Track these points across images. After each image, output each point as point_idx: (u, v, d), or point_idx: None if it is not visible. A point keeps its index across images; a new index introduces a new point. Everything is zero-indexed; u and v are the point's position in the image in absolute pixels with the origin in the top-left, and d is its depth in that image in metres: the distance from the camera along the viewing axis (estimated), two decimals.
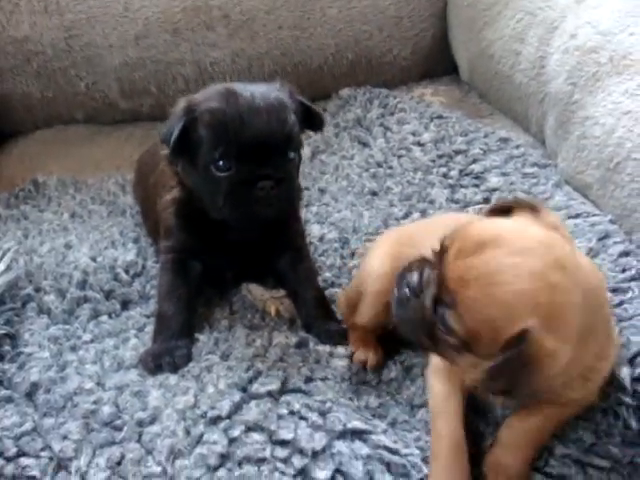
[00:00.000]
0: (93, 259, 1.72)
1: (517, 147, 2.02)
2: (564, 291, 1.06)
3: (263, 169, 1.39)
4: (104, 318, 1.59)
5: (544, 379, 1.06)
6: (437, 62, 2.67)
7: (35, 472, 1.21)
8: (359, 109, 2.23)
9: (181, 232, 1.55)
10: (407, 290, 1.18)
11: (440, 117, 2.14)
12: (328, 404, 1.30)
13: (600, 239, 1.62)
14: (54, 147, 2.47)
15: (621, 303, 1.42)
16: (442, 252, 1.13)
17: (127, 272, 1.69)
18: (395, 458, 1.22)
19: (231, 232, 1.51)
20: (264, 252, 1.58)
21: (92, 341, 1.51)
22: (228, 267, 1.61)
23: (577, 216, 1.72)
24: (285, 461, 1.20)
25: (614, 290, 1.46)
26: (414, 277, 1.17)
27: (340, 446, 1.22)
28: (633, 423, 1.22)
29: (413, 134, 2.08)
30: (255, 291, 1.62)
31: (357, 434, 1.25)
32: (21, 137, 2.55)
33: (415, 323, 1.17)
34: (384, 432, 1.28)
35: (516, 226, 1.14)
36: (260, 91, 1.43)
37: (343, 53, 2.52)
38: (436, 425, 1.26)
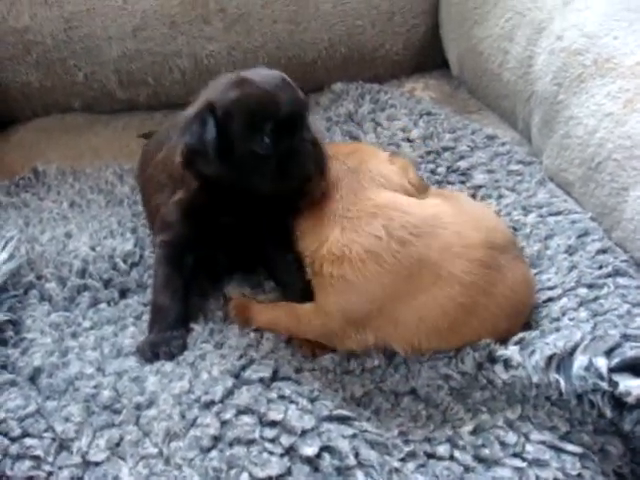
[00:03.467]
0: (92, 248, 1.75)
1: (503, 144, 2.05)
2: None
3: (299, 135, 1.44)
4: (103, 306, 1.63)
5: None
6: (428, 57, 2.69)
7: (39, 452, 1.27)
8: (351, 104, 2.25)
9: (183, 228, 1.58)
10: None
11: (429, 114, 2.17)
12: (316, 392, 1.36)
13: (579, 236, 1.66)
14: (52, 135, 2.48)
15: (597, 298, 1.47)
16: None
17: (125, 262, 1.72)
18: (378, 439, 1.29)
19: (231, 218, 1.55)
20: (257, 238, 1.61)
21: (92, 328, 1.56)
22: (223, 257, 1.64)
23: (558, 213, 1.76)
24: (273, 441, 1.26)
25: (590, 286, 1.51)
26: None
27: (328, 426, 1.28)
28: (607, 412, 1.27)
29: (403, 130, 2.10)
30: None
31: (342, 420, 1.31)
32: (20, 125, 2.56)
33: None
34: (367, 419, 1.35)
35: None
36: (264, 72, 1.49)
37: (336, 47, 2.55)
38: None
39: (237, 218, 1.55)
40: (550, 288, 1.55)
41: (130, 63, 2.49)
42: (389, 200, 1.45)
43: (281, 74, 1.48)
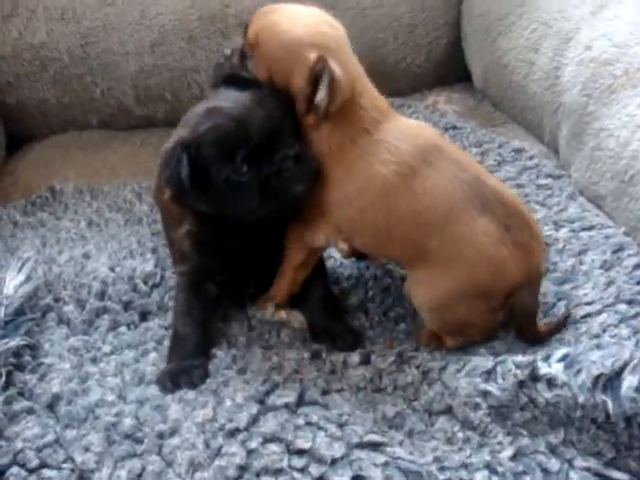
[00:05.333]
0: (112, 269, 1.73)
1: (531, 158, 2.03)
2: (334, 37, 1.43)
3: (278, 154, 1.41)
4: (123, 329, 1.59)
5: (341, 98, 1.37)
6: (450, 70, 2.67)
7: None
8: None
9: (197, 258, 1.56)
10: (222, 58, 1.56)
11: (454, 127, 2.15)
12: (345, 417, 1.31)
13: (614, 252, 1.63)
14: (69, 152, 2.46)
15: (637, 315, 1.45)
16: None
17: (145, 283, 1.69)
18: (412, 466, 1.23)
19: (247, 242, 1.53)
20: (278, 255, 1.58)
21: (112, 353, 1.52)
22: (247, 278, 1.62)
23: (591, 228, 1.73)
24: (302, 470, 1.22)
25: (630, 302, 1.49)
26: (227, 50, 1.54)
27: (359, 454, 1.23)
28: None
29: None
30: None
31: (373, 446, 1.26)
32: (36, 142, 2.54)
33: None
34: (400, 444, 1.29)
35: (290, 5, 1.50)
36: (233, 95, 1.45)
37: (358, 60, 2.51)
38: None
39: (249, 241, 1.53)
40: (588, 303, 1.51)
41: (148, 79, 2.47)
42: None
43: (254, 92, 1.44)
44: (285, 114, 1.43)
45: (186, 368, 1.45)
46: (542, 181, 1.92)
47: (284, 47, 1.41)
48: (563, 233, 1.72)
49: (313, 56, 1.36)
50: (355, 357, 1.47)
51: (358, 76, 1.44)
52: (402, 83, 2.58)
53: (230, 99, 1.44)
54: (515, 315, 1.44)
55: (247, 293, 1.64)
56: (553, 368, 1.30)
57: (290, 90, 1.42)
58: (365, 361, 1.46)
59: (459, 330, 1.47)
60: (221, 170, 1.40)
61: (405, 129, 1.45)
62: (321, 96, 1.36)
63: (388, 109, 1.47)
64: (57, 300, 1.65)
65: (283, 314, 1.60)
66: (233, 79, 1.48)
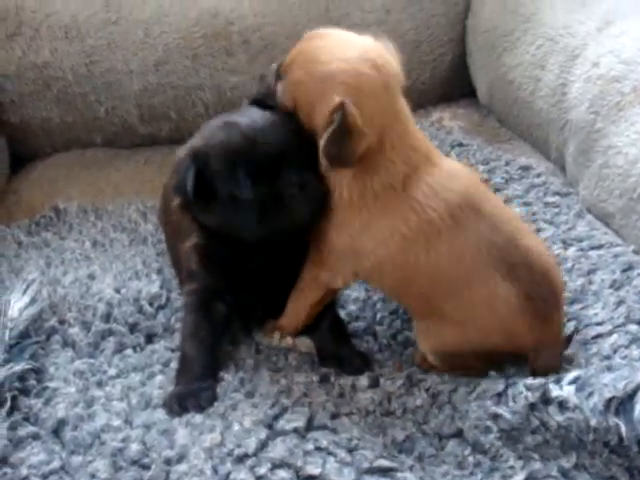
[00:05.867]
0: (117, 291, 1.71)
1: (538, 175, 2.02)
2: (370, 81, 1.33)
3: (284, 178, 1.41)
4: (129, 352, 1.57)
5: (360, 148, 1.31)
6: (455, 86, 2.67)
7: None
8: None
9: (205, 276, 1.55)
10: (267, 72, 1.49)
11: (461, 145, 2.14)
12: (354, 441, 1.29)
13: (624, 270, 1.62)
14: (73, 171, 2.45)
15: None
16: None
17: (151, 304, 1.68)
18: None
19: (256, 262, 1.52)
20: (287, 280, 1.57)
21: (118, 376, 1.50)
22: (255, 301, 1.61)
23: (600, 247, 1.72)
24: None
25: None
26: (274, 66, 1.47)
27: (369, 479, 1.21)
28: None
29: None
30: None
31: (383, 471, 1.24)
32: (39, 161, 2.53)
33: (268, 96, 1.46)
34: (410, 468, 1.27)
35: (343, 32, 1.43)
36: (256, 114, 1.46)
37: None
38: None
39: (256, 260, 1.53)
40: (598, 324, 1.49)
41: (152, 97, 2.47)
42: None
43: (279, 115, 1.45)
44: (301, 143, 1.41)
45: (194, 391, 1.43)
46: (550, 199, 1.91)
47: (314, 79, 1.35)
48: (572, 252, 1.70)
49: (337, 98, 1.29)
50: (364, 380, 1.45)
51: (391, 126, 1.36)
52: (407, 99, 2.56)
53: (249, 117, 1.45)
54: (537, 373, 1.39)
55: (255, 316, 1.63)
56: (564, 391, 1.28)
57: (311, 125, 1.37)
58: (374, 384, 1.44)
59: (463, 370, 1.45)
60: (225, 183, 1.42)
61: (438, 184, 1.38)
62: (323, 144, 1.32)
63: (427, 159, 1.40)
64: (62, 322, 1.64)
65: (290, 341, 1.58)
66: (258, 102, 1.49)
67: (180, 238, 1.61)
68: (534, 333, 1.38)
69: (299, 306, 1.55)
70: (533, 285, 1.36)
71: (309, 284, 1.52)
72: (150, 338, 1.62)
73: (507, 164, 2.05)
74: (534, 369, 1.40)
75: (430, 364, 1.49)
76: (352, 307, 1.68)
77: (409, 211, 1.36)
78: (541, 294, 1.37)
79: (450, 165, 1.45)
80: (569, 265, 1.66)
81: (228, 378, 1.48)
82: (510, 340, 1.39)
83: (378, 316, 1.65)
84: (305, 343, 1.58)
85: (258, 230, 1.44)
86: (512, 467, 1.27)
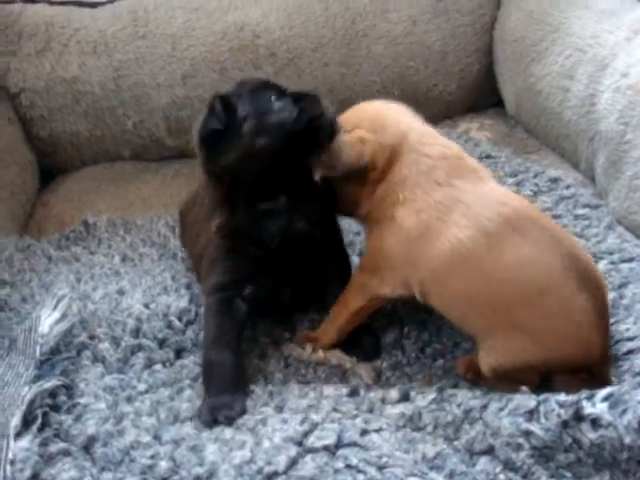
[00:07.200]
0: (146, 306, 1.71)
1: (567, 187, 2.01)
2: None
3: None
4: (158, 367, 1.57)
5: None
6: (482, 96, 2.67)
7: None
8: None
9: (228, 260, 1.56)
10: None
11: (489, 157, 2.12)
12: (384, 459, 1.27)
13: None
14: (101, 184, 2.47)
15: None
16: None
17: (180, 319, 1.67)
18: None
19: (276, 240, 1.54)
20: (311, 267, 1.60)
21: (147, 391, 1.50)
22: (282, 289, 1.61)
23: (631, 260, 1.71)
24: None
25: None
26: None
27: None
28: None
29: None
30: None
31: None
32: (68, 175, 2.56)
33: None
34: None
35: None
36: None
37: (389, 89, 2.52)
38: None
39: (276, 245, 1.54)
40: (630, 339, 1.48)
41: (179, 110, 2.48)
42: None
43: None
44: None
45: (225, 402, 1.43)
46: (579, 211, 1.90)
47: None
48: (603, 265, 1.68)
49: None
50: (394, 394, 1.44)
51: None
52: (434, 110, 2.56)
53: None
54: (592, 386, 1.35)
55: (283, 301, 1.63)
56: (597, 408, 1.25)
57: None
58: (404, 398, 1.43)
59: (516, 385, 1.39)
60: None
61: (490, 197, 1.43)
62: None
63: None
64: (92, 338, 1.63)
65: (321, 354, 1.57)
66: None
67: (204, 220, 1.64)
68: (604, 345, 1.36)
69: (341, 311, 1.56)
70: (597, 298, 1.35)
71: (355, 289, 1.54)
72: (179, 353, 1.62)
73: (536, 176, 2.04)
74: (593, 383, 1.36)
75: (474, 376, 1.47)
76: (379, 321, 1.67)
77: (465, 219, 1.38)
78: (603, 307, 1.36)
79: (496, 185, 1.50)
80: None
81: (258, 391, 1.48)
82: (584, 351, 1.35)
83: (406, 329, 1.64)
84: (336, 355, 1.58)
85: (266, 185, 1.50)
86: None
